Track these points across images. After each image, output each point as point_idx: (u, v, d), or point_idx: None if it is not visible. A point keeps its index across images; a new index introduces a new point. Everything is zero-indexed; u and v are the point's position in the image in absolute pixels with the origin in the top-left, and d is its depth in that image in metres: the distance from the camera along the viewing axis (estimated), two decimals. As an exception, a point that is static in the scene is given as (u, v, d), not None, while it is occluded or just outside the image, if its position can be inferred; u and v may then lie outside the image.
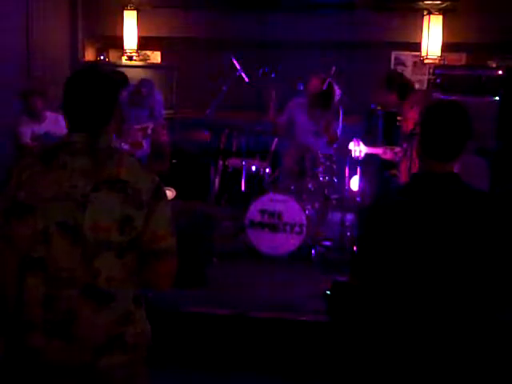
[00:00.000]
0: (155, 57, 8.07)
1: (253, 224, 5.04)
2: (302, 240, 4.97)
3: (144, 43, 7.83)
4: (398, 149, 4.82)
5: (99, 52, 8.07)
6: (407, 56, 7.71)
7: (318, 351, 3.64)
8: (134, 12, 7.73)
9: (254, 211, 5.04)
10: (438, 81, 5.90)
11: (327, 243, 5.17)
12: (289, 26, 7.42)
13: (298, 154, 5.34)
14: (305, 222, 4.96)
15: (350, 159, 5.35)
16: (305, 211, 5.02)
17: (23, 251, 1.86)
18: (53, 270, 1.84)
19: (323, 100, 5.41)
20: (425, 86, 7.45)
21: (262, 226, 5.03)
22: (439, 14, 7.37)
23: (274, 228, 5.02)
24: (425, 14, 7.45)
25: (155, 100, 5.92)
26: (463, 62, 7.56)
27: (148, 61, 7.99)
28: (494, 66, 6.72)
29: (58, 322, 1.84)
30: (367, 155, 5.12)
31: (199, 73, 7.42)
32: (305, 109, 5.57)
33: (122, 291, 1.89)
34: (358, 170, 5.43)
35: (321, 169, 5.24)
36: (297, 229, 4.98)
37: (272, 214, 5.02)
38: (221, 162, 5.97)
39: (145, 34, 7.80)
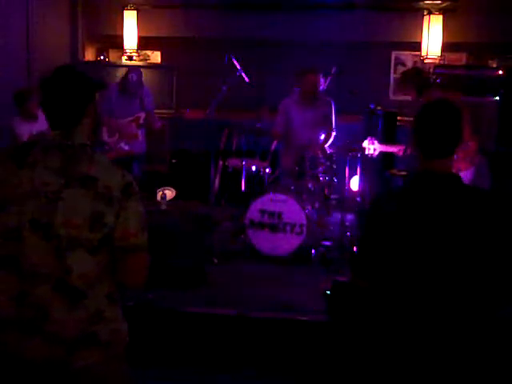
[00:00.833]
0: (155, 57, 8.08)
1: (253, 224, 5.04)
2: (301, 240, 4.97)
3: (144, 43, 7.84)
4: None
5: (99, 52, 8.08)
6: (407, 56, 7.72)
7: (318, 351, 3.64)
8: (134, 12, 7.73)
9: (254, 211, 5.04)
10: (438, 81, 5.90)
11: (327, 243, 5.16)
12: (289, 25, 7.42)
13: (298, 154, 5.34)
14: (305, 222, 4.96)
15: (350, 159, 5.35)
16: (305, 211, 5.02)
17: None
18: (25, 266, 1.85)
19: (314, 93, 5.53)
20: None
21: (262, 226, 5.03)
22: (439, 13, 7.37)
23: (274, 228, 5.01)
24: (425, 13, 7.45)
25: (144, 90, 5.98)
26: (463, 61, 7.56)
27: (148, 61, 7.99)
28: (494, 66, 6.73)
29: (30, 318, 1.86)
30: (381, 153, 5.12)
31: (199, 73, 7.42)
32: (298, 105, 5.61)
33: (95, 289, 1.90)
34: (358, 170, 5.43)
35: (321, 169, 5.24)
36: (297, 229, 4.98)
37: (272, 214, 5.02)
38: (221, 162, 5.97)
39: (145, 34, 7.80)
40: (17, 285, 1.86)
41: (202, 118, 5.81)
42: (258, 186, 5.48)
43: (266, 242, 5.01)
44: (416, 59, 7.62)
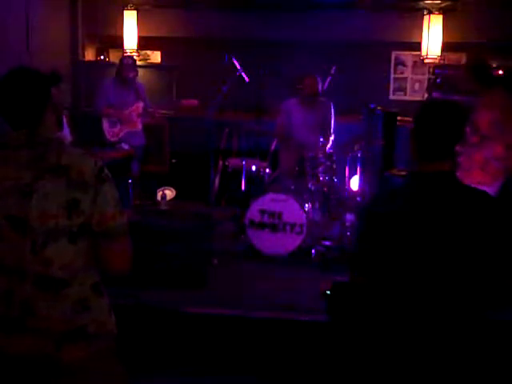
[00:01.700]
0: (155, 57, 8.08)
1: (253, 224, 5.03)
2: (301, 240, 4.97)
3: (144, 43, 7.84)
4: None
5: (99, 52, 8.08)
6: (407, 56, 7.72)
7: (319, 352, 3.64)
8: (134, 12, 7.73)
9: (254, 211, 5.04)
10: (438, 81, 5.90)
11: (327, 243, 5.16)
12: (289, 25, 7.42)
13: (298, 154, 5.34)
14: (305, 222, 4.96)
15: (350, 159, 5.36)
16: (305, 211, 5.02)
17: None
18: (6, 265, 1.86)
19: (314, 96, 5.58)
20: (425, 85, 7.46)
21: (262, 225, 5.02)
22: (439, 13, 7.37)
23: (274, 228, 5.01)
24: (425, 13, 7.45)
25: (138, 83, 6.21)
26: (463, 61, 7.56)
27: (148, 61, 7.99)
28: (494, 66, 6.72)
29: (16, 316, 1.87)
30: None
31: (199, 73, 7.42)
32: (299, 107, 5.65)
33: (78, 278, 1.91)
34: (358, 170, 5.44)
35: (321, 168, 5.24)
36: (297, 229, 4.97)
37: (272, 214, 5.02)
38: (221, 162, 5.97)
39: (145, 34, 7.80)
40: (2, 284, 1.87)
41: (202, 117, 5.81)
42: (258, 185, 5.48)
43: (266, 242, 5.00)
44: (416, 59, 7.63)
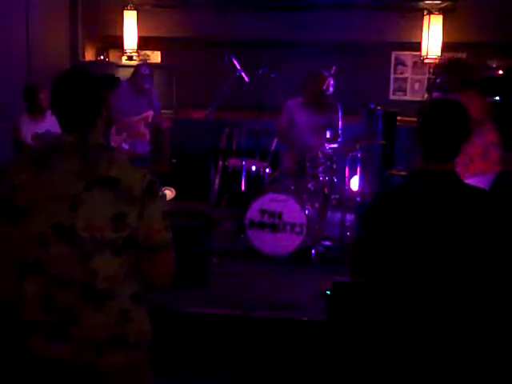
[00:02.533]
0: (155, 57, 8.07)
1: (253, 224, 5.03)
2: (301, 240, 4.97)
3: (144, 43, 7.83)
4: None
5: (99, 52, 8.07)
6: (407, 56, 7.72)
7: (319, 351, 3.64)
8: (134, 12, 7.73)
9: (254, 211, 5.04)
10: (438, 81, 5.90)
11: (327, 243, 5.16)
12: (289, 25, 7.42)
13: (298, 154, 5.34)
14: (305, 221, 4.96)
15: (350, 159, 5.35)
16: (305, 211, 5.02)
17: (20, 254, 1.87)
18: (51, 271, 1.84)
19: (321, 97, 5.46)
20: (425, 85, 7.46)
21: (262, 226, 5.02)
22: (439, 13, 7.37)
23: (274, 228, 5.01)
24: (425, 13, 7.45)
25: (151, 89, 5.96)
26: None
27: (148, 61, 7.99)
28: (494, 66, 6.73)
29: (56, 323, 1.85)
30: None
31: (199, 73, 7.42)
32: (303, 107, 5.58)
33: (120, 290, 1.89)
34: (358, 170, 5.43)
35: (321, 169, 5.24)
36: (297, 229, 4.98)
37: (272, 214, 5.02)
38: (221, 162, 5.97)
39: (145, 34, 7.80)
40: (43, 289, 1.85)
41: (202, 118, 5.81)
42: (258, 185, 5.48)
43: (266, 242, 5.00)
44: (416, 59, 7.62)
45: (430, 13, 7.39)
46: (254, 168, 5.50)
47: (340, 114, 5.55)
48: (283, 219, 5.00)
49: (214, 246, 4.97)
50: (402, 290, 2.01)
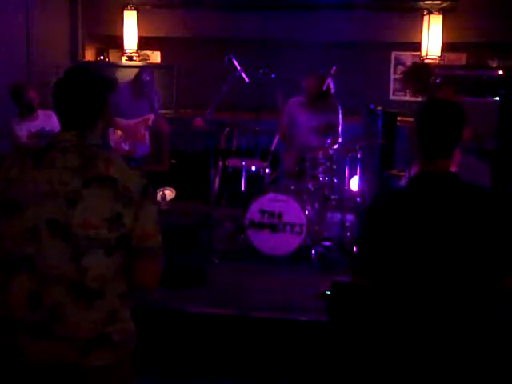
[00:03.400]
0: (155, 57, 8.08)
1: (253, 224, 5.03)
2: (301, 240, 4.97)
3: (144, 43, 7.84)
4: None
5: (99, 52, 8.08)
6: (407, 56, 7.72)
7: (318, 352, 3.64)
8: (134, 12, 7.74)
9: (254, 211, 5.04)
10: (438, 81, 5.90)
11: (327, 243, 5.16)
12: (289, 26, 7.42)
13: (299, 155, 5.34)
14: (305, 221, 4.96)
15: (350, 159, 5.35)
16: (305, 211, 5.02)
17: (10, 248, 1.86)
18: (40, 267, 1.84)
19: (322, 97, 5.46)
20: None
21: (262, 226, 5.02)
22: (439, 13, 7.38)
23: (274, 228, 5.01)
24: (425, 13, 7.46)
25: (154, 91, 5.86)
26: (463, 62, 7.56)
27: (148, 61, 7.99)
28: (494, 66, 6.73)
29: (44, 321, 1.85)
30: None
31: (199, 73, 7.42)
32: (303, 107, 5.59)
33: (110, 289, 1.90)
34: (358, 170, 5.43)
35: (321, 169, 5.24)
36: (297, 229, 4.97)
37: (272, 214, 5.02)
38: (221, 162, 5.97)
39: (145, 34, 7.80)
40: (31, 286, 1.85)
41: (202, 118, 5.80)
42: (258, 186, 5.48)
43: (266, 242, 5.00)
44: (416, 59, 7.62)
45: (429, 13, 7.40)
46: (253, 168, 5.50)
47: (341, 114, 5.56)
48: (283, 219, 5.00)
49: (214, 246, 4.98)
50: (403, 291, 2.01)
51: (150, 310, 3.84)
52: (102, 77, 2.01)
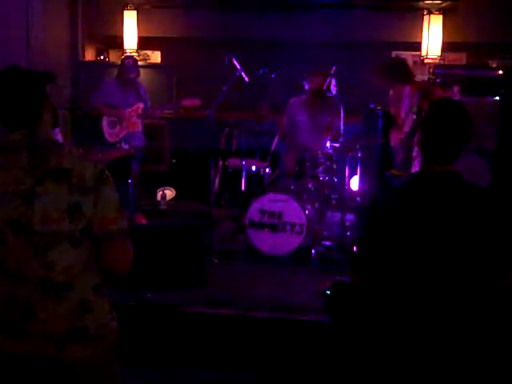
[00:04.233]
0: (155, 57, 8.07)
1: (253, 224, 5.03)
2: (302, 240, 4.97)
3: (144, 43, 7.84)
4: None
5: (99, 52, 8.08)
6: (407, 56, 7.69)
7: (318, 352, 3.64)
8: (134, 12, 7.73)
9: (254, 211, 5.04)
10: (438, 80, 5.90)
11: (327, 243, 5.16)
12: (289, 25, 7.41)
13: (299, 154, 5.34)
14: (305, 221, 4.96)
15: (350, 159, 5.35)
16: (305, 211, 5.02)
17: None
18: (10, 268, 1.86)
19: (323, 96, 5.47)
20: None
21: (262, 225, 5.02)
22: (439, 13, 7.37)
23: (274, 228, 5.01)
24: (425, 13, 7.45)
25: (139, 84, 6.16)
26: (463, 61, 7.56)
27: (148, 61, 7.99)
28: (494, 65, 6.72)
29: (16, 321, 1.87)
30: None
31: (199, 73, 7.42)
32: (305, 107, 5.59)
33: (80, 280, 1.91)
34: (358, 170, 5.43)
35: (321, 169, 5.24)
36: (297, 229, 4.97)
37: (272, 214, 5.02)
38: (221, 162, 5.97)
39: (145, 34, 7.80)
40: (4, 288, 1.87)
41: (202, 117, 5.80)
42: (258, 186, 5.48)
43: (266, 242, 5.00)
44: (416, 59, 7.62)
45: (430, 13, 7.40)
46: (254, 168, 5.51)
47: (342, 114, 5.55)
48: (283, 219, 5.00)
49: (214, 246, 4.98)
50: (403, 289, 2.00)
51: (150, 310, 3.84)
52: (33, 71, 2.02)
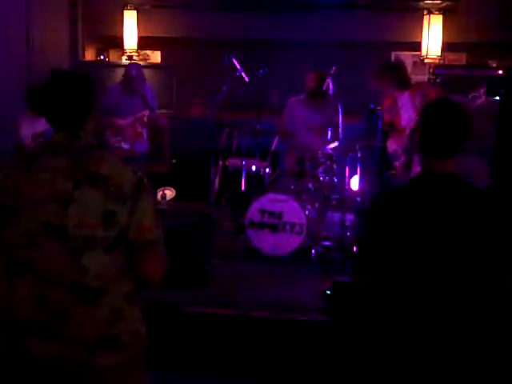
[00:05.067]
0: (155, 57, 8.08)
1: (253, 224, 5.03)
2: (302, 240, 4.97)
3: (144, 43, 7.84)
4: None
5: (99, 52, 8.08)
6: (407, 56, 7.71)
7: (319, 351, 3.64)
8: (134, 12, 7.74)
9: (253, 211, 5.03)
10: (438, 80, 5.91)
11: (327, 243, 5.16)
12: (289, 25, 7.42)
13: (299, 154, 5.34)
14: (305, 221, 4.95)
15: (350, 159, 5.35)
16: (305, 211, 5.02)
17: (11, 254, 1.87)
18: (42, 271, 1.85)
19: (322, 96, 5.47)
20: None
21: (262, 226, 5.02)
22: (439, 13, 7.37)
23: (274, 228, 5.01)
24: (425, 13, 7.45)
25: (146, 87, 5.95)
26: (463, 61, 7.56)
27: (148, 61, 7.99)
28: (494, 65, 6.73)
29: (49, 323, 1.85)
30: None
31: (199, 73, 7.42)
32: (304, 106, 5.59)
33: (112, 287, 1.90)
34: (358, 170, 5.43)
35: (321, 169, 5.24)
36: (297, 229, 4.97)
37: (272, 214, 5.02)
38: (221, 162, 5.97)
39: (145, 34, 7.80)
40: (35, 289, 1.85)
41: (202, 117, 5.81)
42: (258, 185, 5.48)
43: (266, 242, 5.00)
44: (416, 59, 7.62)
45: (430, 13, 7.40)
46: (254, 168, 5.50)
47: (341, 113, 5.57)
48: (283, 219, 5.00)
49: (214, 246, 4.97)
50: (403, 290, 2.01)
51: (149, 310, 3.83)
52: (87, 75, 2.03)
